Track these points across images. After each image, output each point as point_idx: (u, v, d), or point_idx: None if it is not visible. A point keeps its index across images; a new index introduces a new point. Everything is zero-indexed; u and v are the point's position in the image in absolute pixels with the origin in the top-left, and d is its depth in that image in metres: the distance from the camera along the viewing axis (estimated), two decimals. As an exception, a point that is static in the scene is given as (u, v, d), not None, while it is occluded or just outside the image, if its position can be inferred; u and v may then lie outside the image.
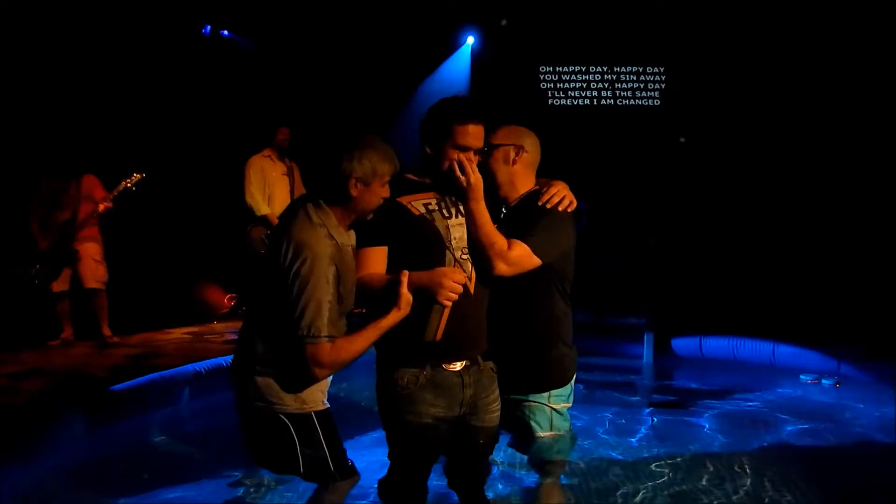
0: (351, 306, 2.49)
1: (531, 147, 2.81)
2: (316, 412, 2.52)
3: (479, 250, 2.52)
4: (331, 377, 2.54)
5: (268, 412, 2.48)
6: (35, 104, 6.77)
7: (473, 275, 2.50)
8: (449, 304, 2.35)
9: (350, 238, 2.48)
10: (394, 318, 2.34)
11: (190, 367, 5.07)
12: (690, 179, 8.34)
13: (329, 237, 2.38)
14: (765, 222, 7.62)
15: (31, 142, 6.50)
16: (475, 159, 2.51)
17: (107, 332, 6.12)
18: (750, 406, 4.17)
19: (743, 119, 8.24)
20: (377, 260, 2.49)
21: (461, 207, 2.54)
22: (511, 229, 2.60)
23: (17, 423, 3.54)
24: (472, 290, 2.47)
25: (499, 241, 2.52)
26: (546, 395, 2.76)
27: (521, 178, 2.79)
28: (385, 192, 2.45)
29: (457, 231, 2.50)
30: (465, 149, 2.46)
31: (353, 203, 2.42)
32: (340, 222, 2.44)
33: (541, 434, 2.73)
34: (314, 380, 2.44)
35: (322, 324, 2.33)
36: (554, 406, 2.75)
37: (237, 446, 2.80)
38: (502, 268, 2.53)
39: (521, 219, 2.67)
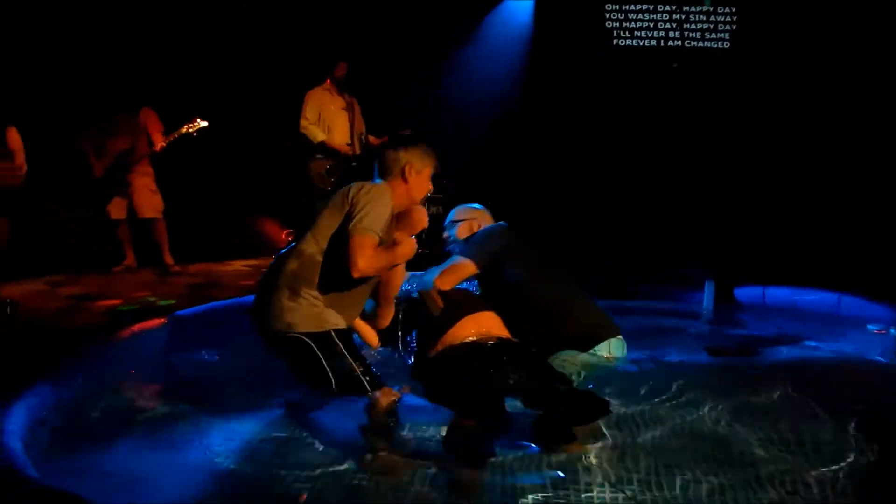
0: None
1: None
2: (335, 330, 2.81)
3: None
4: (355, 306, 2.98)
5: (288, 336, 2.77)
6: (95, 37, 6.85)
7: None
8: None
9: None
10: (405, 248, 2.83)
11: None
12: (756, 128, 8.03)
13: (391, 200, 2.91)
14: (828, 174, 7.31)
15: (85, 71, 6.61)
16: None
17: (168, 260, 6.29)
18: (814, 354, 4.03)
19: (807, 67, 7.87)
20: None
21: None
22: None
23: (78, 342, 3.66)
24: None
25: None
26: None
27: None
28: (429, 186, 3.08)
29: None
30: None
31: (406, 188, 3.02)
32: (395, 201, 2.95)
33: None
34: (348, 284, 2.77)
35: (378, 227, 2.73)
36: None
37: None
38: (362, 266, 2.91)
39: None
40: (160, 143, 6.10)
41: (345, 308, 2.90)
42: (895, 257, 5.85)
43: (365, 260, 2.66)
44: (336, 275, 2.78)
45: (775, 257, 6.45)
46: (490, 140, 8.73)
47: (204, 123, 6.18)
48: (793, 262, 6.14)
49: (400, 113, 8.29)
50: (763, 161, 7.85)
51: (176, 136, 6.17)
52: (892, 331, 4.35)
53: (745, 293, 5.61)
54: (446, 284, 3.34)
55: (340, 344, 2.79)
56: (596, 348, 3.35)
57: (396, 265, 2.99)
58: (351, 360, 2.78)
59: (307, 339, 2.77)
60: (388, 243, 2.84)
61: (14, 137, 5.28)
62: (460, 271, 3.42)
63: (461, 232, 3.82)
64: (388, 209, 2.82)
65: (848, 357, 3.84)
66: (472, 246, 3.55)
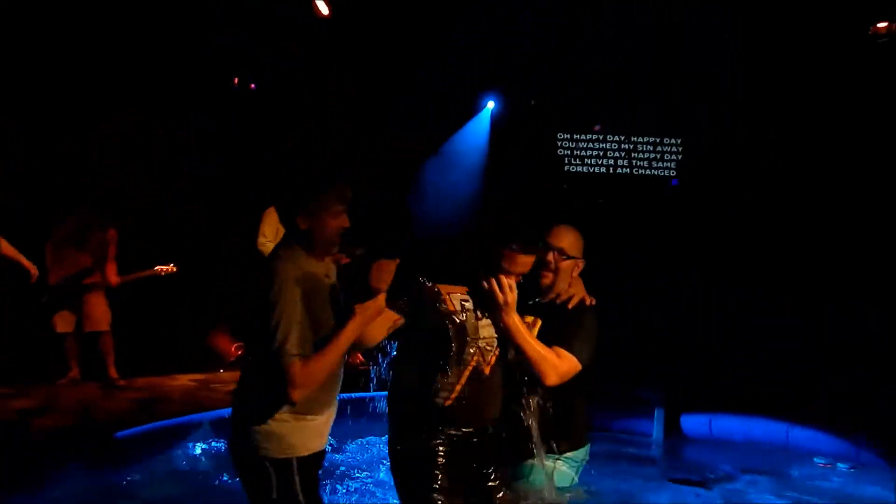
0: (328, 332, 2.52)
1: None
2: (299, 458, 2.54)
3: (528, 363, 2.70)
4: (329, 420, 2.62)
5: (252, 458, 2.51)
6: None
7: (492, 360, 2.68)
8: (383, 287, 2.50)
9: (324, 268, 2.64)
10: (353, 324, 2.46)
11: (196, 416, 5.03)
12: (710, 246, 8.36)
13: (295, 265, 2.51)
14: (777, 300, 7.61)
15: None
16: (514, 280, 2.67)
17: (113, 373, 6.11)
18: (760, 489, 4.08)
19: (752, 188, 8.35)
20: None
21: None
22: (548, 327, 2.81)
23: (24, 461, 3.52)
24: (486, 373, 2.66)
25: (548, 355, 2.71)
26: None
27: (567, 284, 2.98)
28: (340, 222, 2.61)
29: (485, 331, 2.68)
30: (507, 273, 2.63)
31: (309, 236, 2.57)
32: (310, 254, 2.58)
33: None
34: (290, 404, 2.44)
35: (292, 343, 2.40)
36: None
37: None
38: (554, 380, 2.72)
39: (558, 318, 2.87)
40: (114, 278, 6.09)
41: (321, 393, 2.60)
42: (844, 384, 6.05)
43: (298, 386, 2.39)
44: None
45: (725, 381, 6.57)
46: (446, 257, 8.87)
47: (174, 268, 6.22)
48: (743, 386, 6.26)
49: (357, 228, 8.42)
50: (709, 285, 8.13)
51: (139, 276, 6.18)
52: (840, 465, 4.44)
53: (692, 421, 5.67)
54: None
55: (298, 478, 2.54)
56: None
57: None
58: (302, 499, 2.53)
59: (269, 466, 2.52)
60: (323, 317, 2.54)
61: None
62: None
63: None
64: (297, 293, 2.46)
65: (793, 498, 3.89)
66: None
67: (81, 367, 6.17)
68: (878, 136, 7.59)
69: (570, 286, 2.97)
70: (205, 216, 7.92)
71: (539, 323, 2.88)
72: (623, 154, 9.50)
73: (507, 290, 2.62)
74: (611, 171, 9.50)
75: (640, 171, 9.50)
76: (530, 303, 2.91)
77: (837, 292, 7.31)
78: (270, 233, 6.84)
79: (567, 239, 2.94)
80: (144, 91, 7.30)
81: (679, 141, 9.46)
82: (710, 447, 5.23)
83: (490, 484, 2.70)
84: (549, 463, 2.89)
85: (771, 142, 8.40)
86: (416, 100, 8.80)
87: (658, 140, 9.46)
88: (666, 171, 9.48)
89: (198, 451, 4.76)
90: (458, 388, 2.59)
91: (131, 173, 7.45)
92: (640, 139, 9.45)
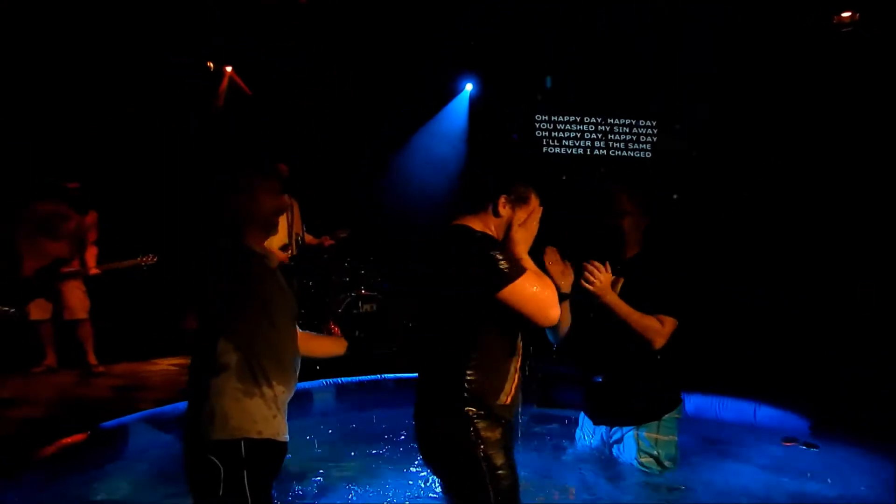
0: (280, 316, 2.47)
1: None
2: (247, 440, 2.34)
3: (634, 333, 3.10)
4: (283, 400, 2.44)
5: (201, 445, 2.32)
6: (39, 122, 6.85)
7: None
8: None
9: (264, 250, 2.53)
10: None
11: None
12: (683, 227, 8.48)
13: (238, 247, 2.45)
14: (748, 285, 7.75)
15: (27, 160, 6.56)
16: (602, 267, 3.04)
17: (92, 360, 6.11)
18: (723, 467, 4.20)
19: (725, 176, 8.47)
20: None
21: None
22: (635, 287, 3.21)
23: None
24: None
25: (651, 323, 3.11)
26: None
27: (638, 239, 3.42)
28: (274, 199, 2.50)
29: None
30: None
31: (246, 216, 2.47)
32: (248, 236, 2.48)
33: None
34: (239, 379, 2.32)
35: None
36: None
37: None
38: (661, 343, 3.13)
39: (647, 281, 3.24)
40: (94, 268, 6.04)
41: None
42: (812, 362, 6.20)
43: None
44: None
45: (698, 361, 6.70)
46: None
47: (154, 258, 6.16)
48: (715, 367, 6.39)
49: (338, 210, 8.45)
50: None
51: (119, 266, 6.12)
52: (802, 446, 4.57)
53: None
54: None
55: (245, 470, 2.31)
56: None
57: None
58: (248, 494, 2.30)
59: (214, 459, 2.30)
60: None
61: None
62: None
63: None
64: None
65: (756, 475, 4.01)
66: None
67: (57, 355, 6.17)
68: (841, 124, 7.71)
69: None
70: (179, 200, 7.87)
71: (622, 281, 3.26)
72: (600, 136, 9.57)
73: (597, 277, 2.97)
74: (588, 152, 9.57)
75: (616, 153, 9.58)
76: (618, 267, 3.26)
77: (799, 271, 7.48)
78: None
79: (633, 198, 3.35)
80: (116, 77, 7.24)
81: (654, 123, 9.54)
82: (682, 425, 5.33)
83: None
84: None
85: (738, 128, 8.52)
86: (396, 82, 8.80)
87: (634, 122, 9.54)
88: (642, 153, 9.57)
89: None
90: (517, 377, 2.50)
91: (104, 160, 7.40)
92: (617, 121, 9.52)
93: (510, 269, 2.27)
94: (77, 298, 6.05)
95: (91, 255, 6.06)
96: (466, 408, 2.34)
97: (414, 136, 9.67)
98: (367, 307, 7.82)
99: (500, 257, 2.28)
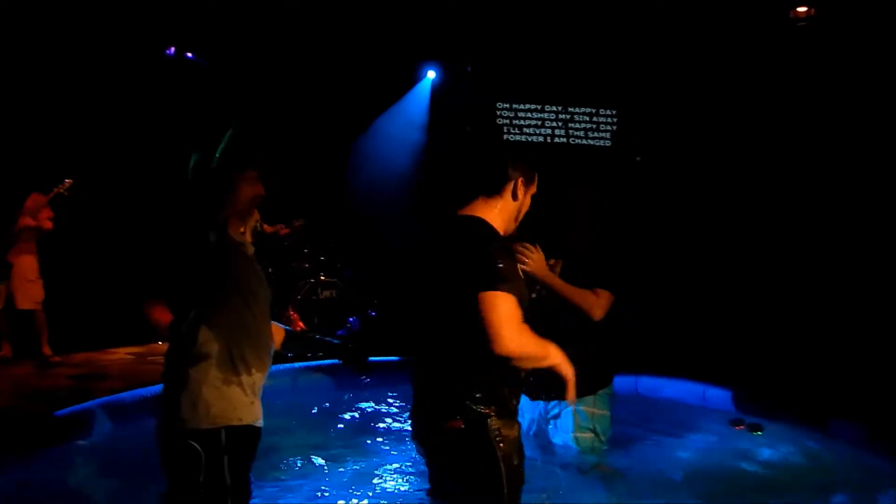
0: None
1: None
2: (228, 428, 2.35)
3: (575, 306, 3.26)
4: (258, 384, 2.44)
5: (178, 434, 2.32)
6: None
7: None
8: None
9: (240, 237, 2.53)
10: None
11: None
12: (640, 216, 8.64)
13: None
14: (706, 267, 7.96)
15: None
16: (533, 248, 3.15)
17: (47, 350, 6.07)
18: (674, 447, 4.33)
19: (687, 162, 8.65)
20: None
21: None
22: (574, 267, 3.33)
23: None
24: None
25: (587, 296, 3.30)
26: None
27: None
28: (252, 188, 2.51)
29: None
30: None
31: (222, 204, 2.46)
32: (231, 228, 2.48)
33: None
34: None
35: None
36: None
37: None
38: (600, 315, 3.33)
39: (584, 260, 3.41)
40: (46, 223, 6.00)
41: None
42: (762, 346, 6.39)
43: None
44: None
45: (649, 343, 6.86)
46: (387, 231, 8.95)
47: (71, 182, 6.05)
48: (665, 348, 6.56)
49: (296, 199, 8.44)
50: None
51: (49, 196, 6.02)
52: (746, 429, 4.73)
53: (619, 382, 5.92)
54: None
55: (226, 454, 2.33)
56: None
57: None
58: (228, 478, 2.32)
59: (195, 443, 2.30)
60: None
61: None
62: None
63: None
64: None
65: (704, 457, 4.14)
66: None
67: (12, 346, 6.11)
68: (798, 118, 7.90)
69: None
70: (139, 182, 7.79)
71: (560, 263, 3.34)
72: (560, 124, 9.67)
73: (531, 253, 3.09)
74: (548, 140, 9.67)
75: (576, 141, 9.69)
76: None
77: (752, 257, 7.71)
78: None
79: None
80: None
81: (614, 112, 9.66)
82: (635, 405, 5.45)
83: None
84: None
85: (693, 121, 8.69)
86: (355, 71, 8.79)
87: (594, 111, 9.65)
88: (601, 142, 9.69)
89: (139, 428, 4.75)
90: (523, 373, 2.45)
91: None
92: (577, 109, 9.62)
93: (507, 275, 2.22)
94: (25, 289, 5.98)
95: (45, 217, 6.02)
96: (485, 406, 2.28)
97: (376, 120, 9.68)
98: (326, 293, 7.86)
99: (503, 265, 2.23)
